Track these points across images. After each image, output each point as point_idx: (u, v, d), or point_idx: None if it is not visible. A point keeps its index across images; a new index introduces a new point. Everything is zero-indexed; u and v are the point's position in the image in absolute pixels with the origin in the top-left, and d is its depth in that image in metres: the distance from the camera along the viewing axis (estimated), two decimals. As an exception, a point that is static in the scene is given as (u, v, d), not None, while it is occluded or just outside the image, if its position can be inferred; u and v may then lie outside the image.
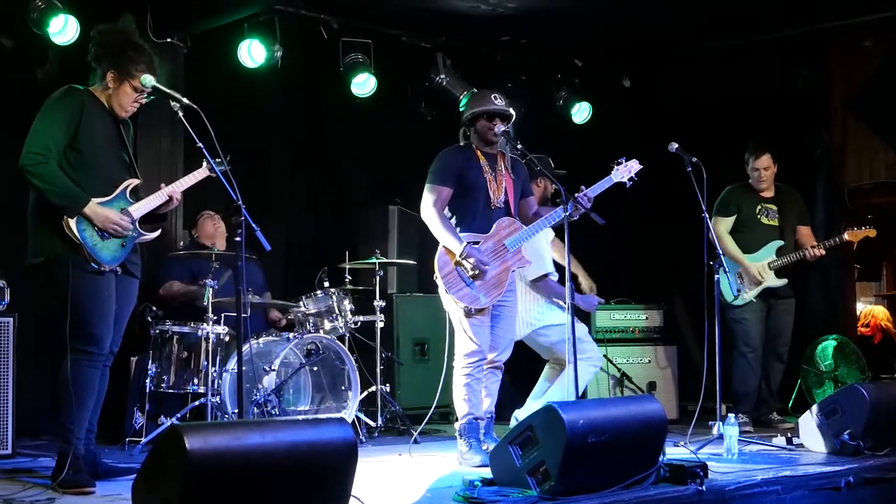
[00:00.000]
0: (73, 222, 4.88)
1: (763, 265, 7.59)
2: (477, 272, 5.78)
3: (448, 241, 5.85)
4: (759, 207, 7.74)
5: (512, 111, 6.06)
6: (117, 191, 5.09)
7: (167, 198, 5.23)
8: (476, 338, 5.84)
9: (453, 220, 5.97)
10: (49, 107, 5.03)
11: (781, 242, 7.69)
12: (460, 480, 4.87)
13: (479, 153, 6.04)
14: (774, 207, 7.78)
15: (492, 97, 6.02)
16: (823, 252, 7.60)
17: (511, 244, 5.93)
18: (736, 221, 7.72)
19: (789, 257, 7.61)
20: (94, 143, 5.04)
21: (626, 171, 6.10)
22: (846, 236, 7.61)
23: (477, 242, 5.86)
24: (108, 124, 5.16)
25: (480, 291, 5.81)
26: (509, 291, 6.00)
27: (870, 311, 10.88)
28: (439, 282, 5.87)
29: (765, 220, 7.74)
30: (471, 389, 5.88)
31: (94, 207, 4.93)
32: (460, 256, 5.77)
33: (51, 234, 4.93)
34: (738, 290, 7.49)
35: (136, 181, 5.20)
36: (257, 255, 6.84)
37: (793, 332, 7.87)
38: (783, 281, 7.65)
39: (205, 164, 5.18)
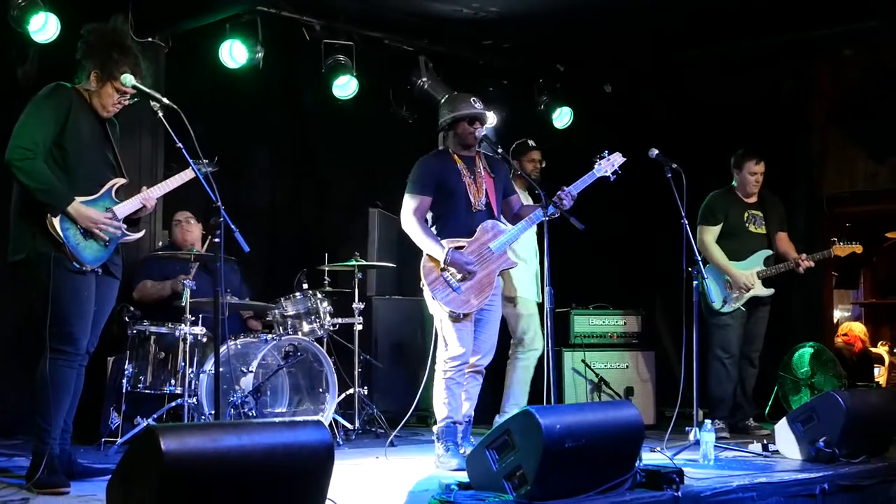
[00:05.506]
0: (56, 220, 4.84)
1: (752, 273, 7.59)
2: (463, 275, 5.78)
3: (431, 248, 5.84)
4: (746, 215, 7.72)
5: (490, 114, 6.04)
6: (102, 190, 5.06)
7: (141, 204, 5.19)
8: (459, 342, 5.84)
9: (436, 227, 5.96)
10: (37, 103, 4.99)
11: (769, 252, 7.70)
12: (437, 484, 4.87)
13: (455, 157, 6.03)
14: (760, 214, 7.77)
15: (471, 100, 6.02)
16: (813, 264, 7.63)
17: (496, 247, 5.93)
18: (723, 228, 7.69)
19: (777, 268, 7.61)
20: (79, 142, 5.00)
21: (608, 164, 6.07)
22: (834, 251, 7.63)
23: (461, 247, 5.85)
24: (95, 123, 5.13)
25: (468, 296, 5.81)
26: (494, 295, 5.99)
27: (847, 325, 10.95)
28: (426, 289, 5.86)
29: (752, 228, 7.73)
30: (451, 393, 5.88)
31: (77, 206, 4.89)
32: (444, 263, 5.77)
33: (33, 232, 4.88)
34: (725, 300, 7.51)
35: (121, 180, 5.16)
36: (236, 256, 6.81)
37: (771, 338, 7.91)
38: (770, 290, 7.66)
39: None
